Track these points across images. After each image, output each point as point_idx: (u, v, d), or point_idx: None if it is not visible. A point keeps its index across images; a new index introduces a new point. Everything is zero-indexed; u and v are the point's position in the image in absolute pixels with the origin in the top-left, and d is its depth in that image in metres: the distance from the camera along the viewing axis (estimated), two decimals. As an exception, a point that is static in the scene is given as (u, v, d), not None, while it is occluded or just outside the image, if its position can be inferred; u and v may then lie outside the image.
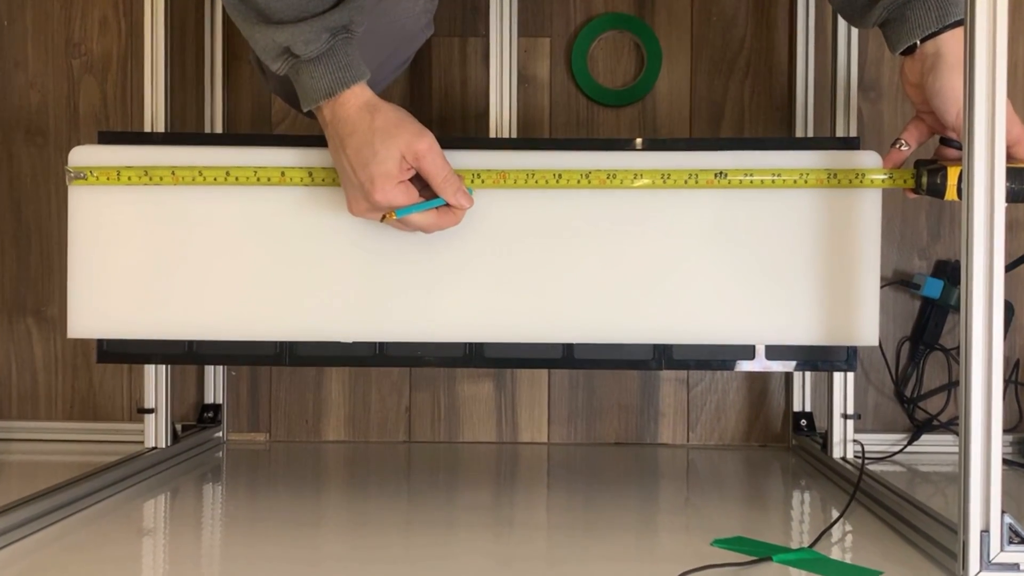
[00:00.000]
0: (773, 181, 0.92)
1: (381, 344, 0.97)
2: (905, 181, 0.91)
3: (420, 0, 0.95)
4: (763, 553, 0.80)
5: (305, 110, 0.86)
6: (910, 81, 0.90)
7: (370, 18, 0.87)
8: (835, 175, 0.91)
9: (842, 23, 1.17)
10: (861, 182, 0.91)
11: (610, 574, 0.80)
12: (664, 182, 0.92)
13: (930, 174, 0.88)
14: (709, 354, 0.97)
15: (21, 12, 1.36)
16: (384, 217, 0.88)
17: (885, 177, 0.92)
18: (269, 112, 1.36)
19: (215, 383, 1.35)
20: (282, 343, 0.98)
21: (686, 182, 0.92)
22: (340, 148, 0.86)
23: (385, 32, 0.94)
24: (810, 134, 1.27)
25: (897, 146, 0.92)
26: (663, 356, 0.97)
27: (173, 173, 0.93)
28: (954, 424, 1.29)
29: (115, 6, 1.36)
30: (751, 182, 0.92)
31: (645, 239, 0.93)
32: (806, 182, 0.92)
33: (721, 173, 0.92)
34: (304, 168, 0.92)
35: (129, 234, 0.95)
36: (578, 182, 0.92)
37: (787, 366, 0.98)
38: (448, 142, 0.90)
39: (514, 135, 1.24)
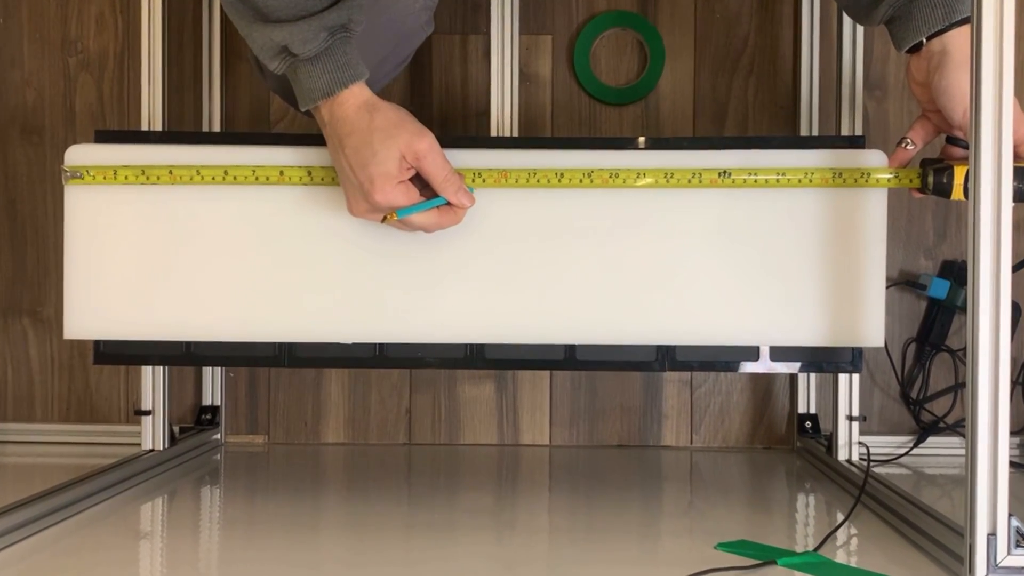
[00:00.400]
0: (778, 180, 0.92)
1: (381, 345, 0.97)
2: (911, 181, 0.91)
3: None
4: (767, 556, 0.80)
5: (303, 110, 0.87)
6: (916, 79, 0.90)
7: (369, 15, 0.87)
8: (840, 174, 0.91)
9: (847, 20, 1.18)
10: (867, 181, 0.91)
11: (612, 578, 0.80)
12: (667, 181, 0.92)
13: (936, 173, 0.88)
14: (713, 355, 0.97)
15: (17, 9, 1.37)
16: (385, 218, 0.88)
17: (891, 176, 0.92)
18: (267, 111, 1.37)
19: (213, 385, 1.35)
20: (281, 344, 0.98)
21: (689, 181, 0.92)
22: (339, 148, 0.86)
23: (384, 30, 0.94)
24: (815, 133, 1.27)
25: (903, 145, 0.92)
26: (666, 357, 0.97)
27: (171, 172, 0.93)
28: (960, 426, 1.29)
29: (112, 3, 1.37)
30: (755, 181, 0.92)
31: (648, 239, 0.93)
32: (811, 181, 0.92)
33: (725, 172, 0.92)
34: (303, 167, 0.92)
35: (126, 234, 0.95)
36: (580, 181, 0.92)
37: (791, 367, 0.98)
38: (449, 141, 0.90)
39: (515, 134, 1.24)
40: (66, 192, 0.95)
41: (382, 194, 0.85)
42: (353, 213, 0.89)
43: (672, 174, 0.92)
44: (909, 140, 0.92)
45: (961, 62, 0.84)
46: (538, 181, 0.92)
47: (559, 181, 0.92)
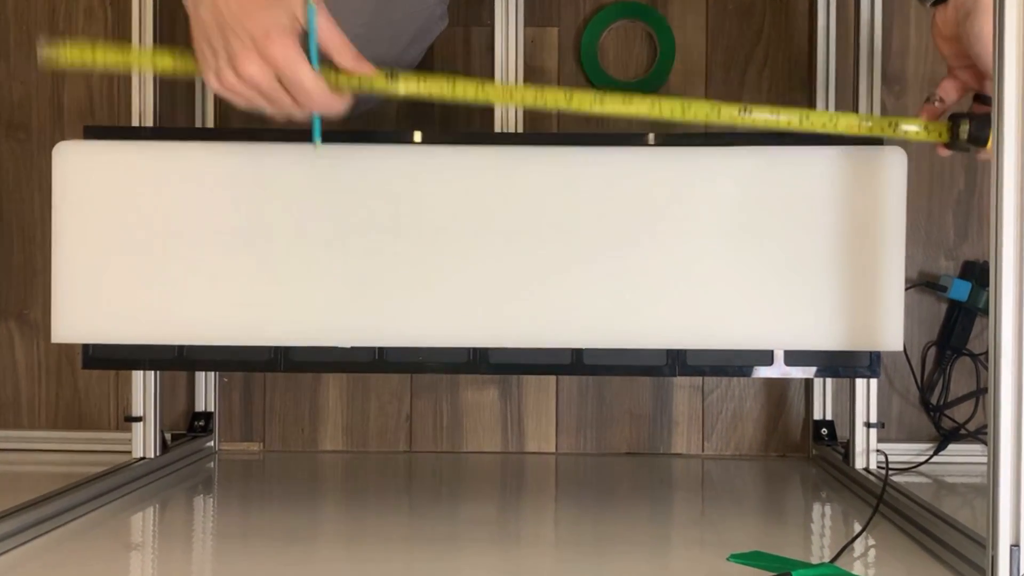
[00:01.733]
0: (800, 122, 0.87)
1: (381, 349, 0.97)
2: (940, 135, 0.89)
3: None
4: (782, 569, 0.80)
5: None
6: (943, 34, 0.88)
7: (387, 12, 0.86)
8: (867, 120, 0.88)
9: (865, 12, 1.17)
10: (894, 132, 0.88)
11: (621, 591, 0.80)
12: (684, 113, 0.88)
13: (973, 122, 0.85)
14: (725, 360, 0.97)
15: (2, 1, 1.37)
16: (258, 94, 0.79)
17: (919, 129, 0.89)
18: (263, 106, 1.36)
19: (206, 390, 1.35)
20: (277, 348, 0.98)
21: (707, 115, 0.88)
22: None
23: (402, 25, 0.93)
24: (831, 128, 1.27)
25: (931, 101, 0.90)
26: (677, 362, 0.97)
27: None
28: (982, 433, 1.29)
29: (101, -5, 1.37)
30: (777, 122, 0.87)
31: (658, 238, 0.94)
32: (835, 126, 0.87)
33: (745, 109, 0.88)
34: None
35: (117, 234, 0.95)
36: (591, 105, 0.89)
37: (807, 372, 0.98)
38: (452, 137, 0.90)
39: (520, 130, 1.24)
40: (55, 190, 0.95)
41: (281, 47, 0.75)
42: (220, 84, 0.79)
43: (689, 106, 0.88)
44: (938, 96, 0.90)
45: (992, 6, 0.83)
46: (546, 102, 0.88)
47: (568, 103, 0.88)
